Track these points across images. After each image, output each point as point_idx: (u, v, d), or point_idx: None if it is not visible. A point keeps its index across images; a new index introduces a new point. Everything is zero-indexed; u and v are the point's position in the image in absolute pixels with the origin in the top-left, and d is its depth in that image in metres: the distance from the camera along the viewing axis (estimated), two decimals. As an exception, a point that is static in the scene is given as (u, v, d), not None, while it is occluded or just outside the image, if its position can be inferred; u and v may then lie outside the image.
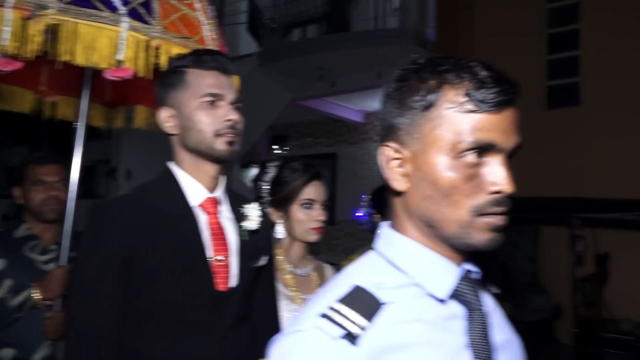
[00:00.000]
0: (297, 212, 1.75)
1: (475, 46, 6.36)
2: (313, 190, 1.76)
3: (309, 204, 1.75)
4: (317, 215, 1.76)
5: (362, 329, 0.73)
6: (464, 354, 0.77)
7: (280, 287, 1.68)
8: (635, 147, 5.12)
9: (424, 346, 0.75)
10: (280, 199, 1.77)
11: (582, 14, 5.78)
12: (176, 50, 1.70)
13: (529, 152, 5.69)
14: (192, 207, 1.33)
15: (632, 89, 4.85)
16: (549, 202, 4.74)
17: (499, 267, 4.31)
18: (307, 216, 1.75)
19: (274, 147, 9.57)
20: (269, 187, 1.81)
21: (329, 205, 8.25)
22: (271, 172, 1.83)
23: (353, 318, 0.74)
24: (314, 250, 1.89)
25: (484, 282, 0.92)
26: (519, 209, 4.51)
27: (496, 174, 0.74)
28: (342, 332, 0.72)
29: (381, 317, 0.75)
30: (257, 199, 1.78)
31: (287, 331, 0.76)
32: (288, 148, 9.45)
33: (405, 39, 6.57)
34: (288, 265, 1.78)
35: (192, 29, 1.89)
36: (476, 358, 0.77)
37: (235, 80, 2.02)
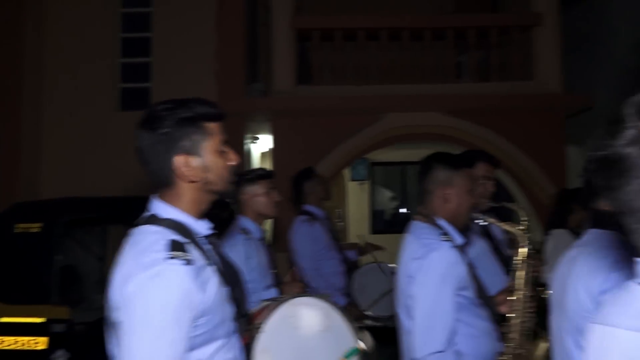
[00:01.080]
0: None
1: (45, 46, 6.01)
2: None
3: None
4: None
5: None
6: None
7: None
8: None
9: None
10: None
11: (154, 22, 6.15)
12: None
13: (102, 152, 5.68)
14: None
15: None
16: (114, 201, 4.84)
17: (59, 272, 4.14)
18: None
19: None
20: None
21: None
22: None
23: None
24: None
25: None
26: (86, 210, 4.32)
27: None
28: None
29: None
30: None
31: None
32: None
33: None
34: None
35: None
36: None
37: None
